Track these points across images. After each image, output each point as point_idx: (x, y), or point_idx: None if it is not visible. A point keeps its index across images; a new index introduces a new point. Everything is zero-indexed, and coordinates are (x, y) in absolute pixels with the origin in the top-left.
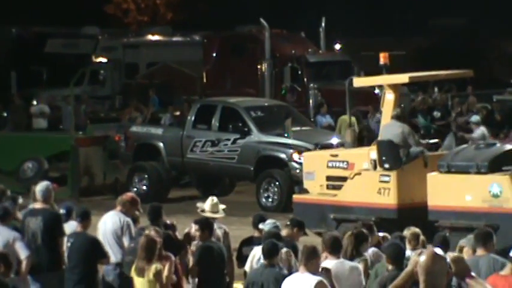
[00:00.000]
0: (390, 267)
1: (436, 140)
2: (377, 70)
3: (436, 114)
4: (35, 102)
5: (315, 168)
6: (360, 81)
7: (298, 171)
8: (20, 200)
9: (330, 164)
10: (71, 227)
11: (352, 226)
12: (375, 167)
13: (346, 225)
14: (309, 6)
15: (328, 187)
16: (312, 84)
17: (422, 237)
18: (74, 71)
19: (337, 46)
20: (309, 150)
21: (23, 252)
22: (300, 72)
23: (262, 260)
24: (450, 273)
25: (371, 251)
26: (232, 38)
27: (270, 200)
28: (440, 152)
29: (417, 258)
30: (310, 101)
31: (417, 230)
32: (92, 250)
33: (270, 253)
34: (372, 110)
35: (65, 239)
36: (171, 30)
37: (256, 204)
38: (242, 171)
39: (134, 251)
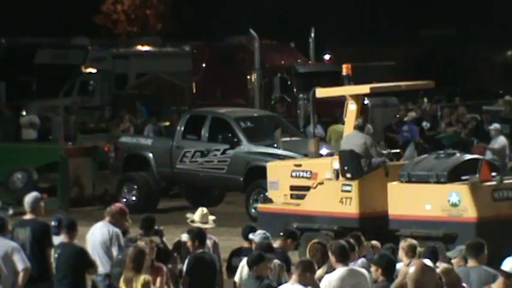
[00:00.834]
0: (381, 278)
1: (397, 150)
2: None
3: (426, 124)
4: (24, 113)
5: (279, 177)
6: (322, 92)
7: None
8: (10, 211)
9: (293, 174)
10: (60, 239)
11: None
12: (337, 177)
13: (309, 234)
14: (298, 17)
15: (292, 196)
16: (301, 95)
17: (419, 249)
18: (64, 81)
19: (327, 56)
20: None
21: (20, 264)
22: (289, 83)
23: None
24: (439, 285)
25: (360, 261)
26: (222, 48)
27: None
28: (402, 161)
29: (407, 270)
30: (300, 112)
31: (414, 241)
32: (80, 260)
33: (252, 263)
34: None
35: (52, 250)
36: (161, 41)
37: (246, 215)
38: (232, 182)
39: (122, 262)
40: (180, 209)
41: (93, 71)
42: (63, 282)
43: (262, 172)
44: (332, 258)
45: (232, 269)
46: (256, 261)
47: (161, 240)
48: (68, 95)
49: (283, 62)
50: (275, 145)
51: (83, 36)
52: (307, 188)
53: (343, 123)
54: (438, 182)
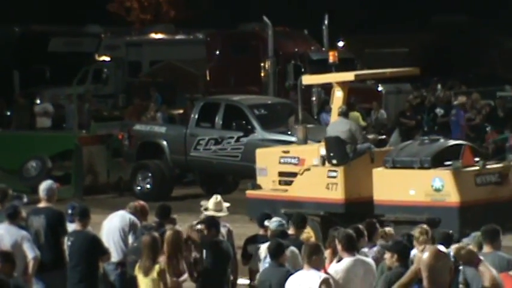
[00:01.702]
0: (396, 264)
1: (383, 137)
2: (381, 67)
3: (439, 111)
4: (38, 101)
5: (267, 164)
6: (309, 79)
7: None
8: (25, 199)
9: (281, 160)
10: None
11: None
12: (323, 163)
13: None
14: (311, 4)
15: (280, 183)
16: None
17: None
18: (77, 69)
19: (340, 43)
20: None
21: (30, 252)
22: (303, 70)
23: (268, 260)
24: (453, 270)
25: (376, 248)
26: (235, 35)
27: None
28: (387, 148)
29: (420, 256)
30: (314, 99)
31: (425, 227)
32: (93, 248)
33: (275, 252)
34: (376, 107)
35: (65, 238)
36: (174, 28)
37: None
38: (246, 169)
39: (137, 250)
40: (194, 196)
41: (107, 59)
42: (76, 269)
43: None
44: (339, 247)
45: (247, 256)
46: (278, 250)
47: None
48: (82, 83)
49: (296, 49)
50: (289, 132)
51: (96, 24)
52: (295, 174)
53: (358, 111)
54: (422, 167)
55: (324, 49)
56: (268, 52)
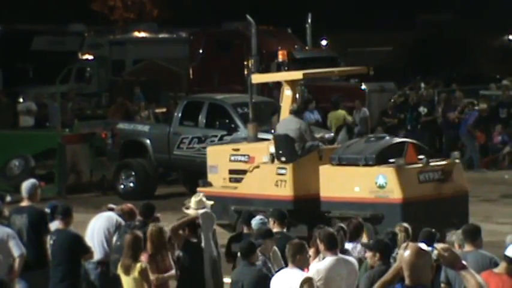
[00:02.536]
0: (377, 263)
1: (331, 135)
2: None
3: (423, 110)
4: (21, 100)
5: (218, 162)
6: (258, 78)
7: None
8: (8, 198)
9: (232, 158)
10: (55, 226)
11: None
12: (272, 161)
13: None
14: (295, 2)
15: (230, 180)
16: None
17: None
18: (61, 68)
19: (324, 42)
20: None
21: (16, 250)
22: (286, 69)
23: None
24: (435, 268)
25: (359, 247)
26: (218, 34)
27: None
28: (335, 145)
29: (403, 253)
30: (297, 97)
31: (405, 224)
32: (75, 247)
33: (247, 252)
34: (359, 105)
35: (48, 236)
36: (157, 27)
37: None
38: None
39: (120, 248)
40: (178, 195)
41: (90, 57)
42: (59, 268)
43: None
44: (321, 246)
45: (231, 254)
46: (250, 250)
47: None
48: (65, 81)
49: (280, 48)
50: (272, 131)
51: (79, 22)
52: (245, 172)
53: (343, 109)
54: (366, 164)
55: (307, 48)
56: (251, 51)
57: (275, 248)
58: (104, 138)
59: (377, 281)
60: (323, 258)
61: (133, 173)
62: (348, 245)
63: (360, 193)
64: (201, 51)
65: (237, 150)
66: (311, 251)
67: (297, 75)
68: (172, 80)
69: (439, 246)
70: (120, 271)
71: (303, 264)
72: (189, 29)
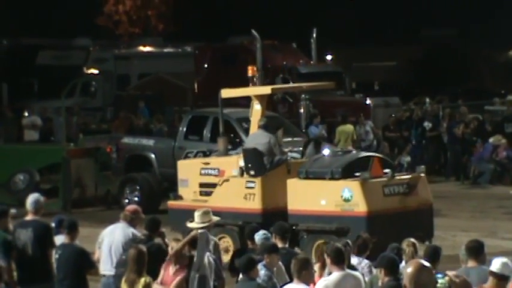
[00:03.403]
0: (386, 278)
1: (300, 148)
2: (368, 81)
3: (428, 125)
4: (26, 114)
5: (188, 175)
6: (227, 93)
7: None
8: (13, 211)
9: (202, 172)
10: (61, 240)
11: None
12: (241, 174)
13: (216, 230)
14: (300, 17)
15: (201, 193)
16: (303, 95)
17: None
18: (66, 82)
19: (329, 57)
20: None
21: None
22: (291, 83)
23: (240, 275)
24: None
25: (364, 263)
26: (223, 49)
27: None
28: (304, 159)
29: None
30: (302, 112)
31: (412, 239)
32: (80, 261)
33: (247, 267)
34: (362, 120)
35: (53, 250)
36: (163, 42)
37: None
38: None
39: (126, 262)
40: None
41: (95, 72)
42: (64, 283)
43: None
44: (328, 261)
45: (235, 269)
46: (250, 265)
47: (163, 242)
48: (70, 96)
49: (285, 63)
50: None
51: (84, 37)
52: (215, 185)
53: (351, 124)
54: (333, 178)
55: (312, 62)
56: (256, 65)
57: (280, 263)
58: (109, 153)
59: None
60: (329, 273)
61: (138, 187)
62: (354, 260)
63: (326, 206)
64: (206, 65)
65: (207, 164)
66: (316, 266)
67: (266, 90)
68: (177, 94)
69: (450, 273)
70: (124, 286)
71: (309, 280)
72: (194, 44)
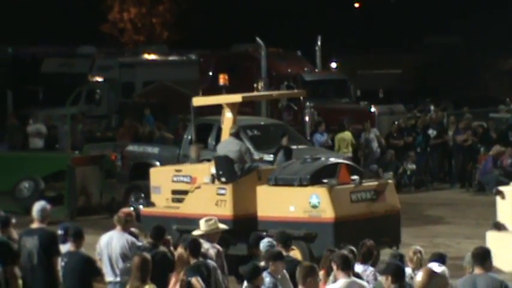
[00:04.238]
0: (392, 285)
1: (271, 157)
2: (374, 88)
3: (432, 132)
4: (31, 122)
5: (161, 182)
6: (199, 101)
7: None
8: (13, 220)
9: (174, 179)
10: (66, 247)
11: None
12: (213, 181)
13: (186, 236)
14: (304, 25)
15: (173, 200)
16: (308, 103)
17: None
18: (70, 90)
19: (333, 65)
20: None
21: None
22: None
23: (245, 283)
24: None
25: (369, 270)
26: (228, 56)
27: None
28: (274, 166)
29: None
30: (306, 120)
31: (418, 247)
32: (86, 269)
33: (251, 275)
34: (368, 128)
35: (59, 258)
36: (167, 50)
37: None
38: None
39: (130, 270)
40: None
41: (100, 79)
42: None
43: None
44: (334, 267)
45: (241, 276)
46: (254, 274)
47: (168, 249)
48: (75, 103)
49: (289, 70)
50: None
51: (89, 45)
52: (187, 192)
53: (350, 131)
54: (301, 185)
55: (317, 70)
56: (261, 73)
57: (284, 271)
58: (114, 160)
59: None
60: (334, 281)
61: (142, 195)
62: (358, 268)
63: (294, 212)
64: (211, 73)
65: (180, 171)
66: (321, 273)
67: (236, 98)
68: (181, 102)
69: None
70: None
71: (314, 287)
72: (199, 51)
